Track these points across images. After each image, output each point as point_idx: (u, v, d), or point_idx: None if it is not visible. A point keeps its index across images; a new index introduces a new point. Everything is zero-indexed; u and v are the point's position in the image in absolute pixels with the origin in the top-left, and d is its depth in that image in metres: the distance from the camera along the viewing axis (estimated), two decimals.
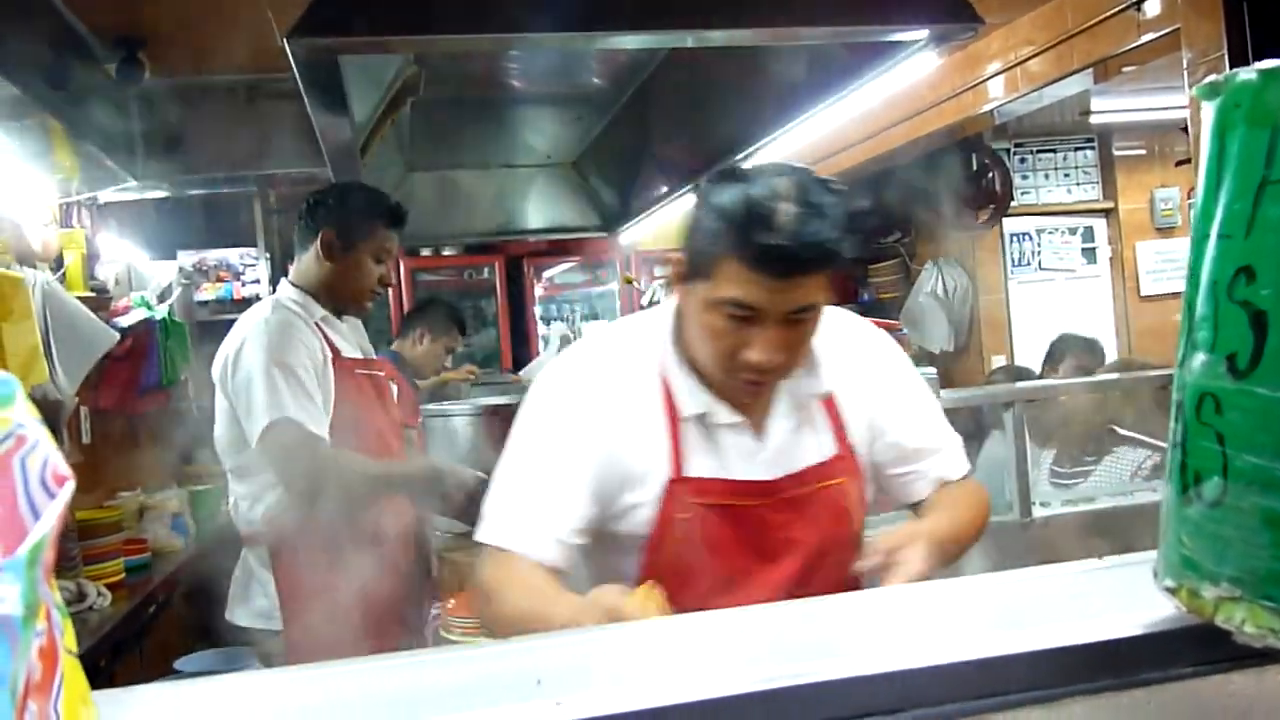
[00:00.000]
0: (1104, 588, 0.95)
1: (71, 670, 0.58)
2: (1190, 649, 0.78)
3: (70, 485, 0.49)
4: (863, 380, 1.64)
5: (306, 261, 2.67)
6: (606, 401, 1.52)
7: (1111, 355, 5.43)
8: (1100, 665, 0.77)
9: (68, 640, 0.58)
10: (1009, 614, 0.88)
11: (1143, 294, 6.24)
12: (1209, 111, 0.72)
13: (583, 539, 1.50)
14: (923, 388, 1.74)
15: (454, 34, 2.35)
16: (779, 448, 1.55)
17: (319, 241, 2.63)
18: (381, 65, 3.21)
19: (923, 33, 2.49)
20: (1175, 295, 6.52)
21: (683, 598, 1.38)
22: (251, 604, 2.59)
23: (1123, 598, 0.89)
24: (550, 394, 1.59)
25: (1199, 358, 0.71)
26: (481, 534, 1.52)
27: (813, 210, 1.34)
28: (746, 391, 1.48)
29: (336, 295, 2.68)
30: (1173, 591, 0.74)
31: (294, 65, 2.37)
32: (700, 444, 1.52)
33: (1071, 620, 0.82)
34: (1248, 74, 0.67)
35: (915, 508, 1.69)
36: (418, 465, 2.73)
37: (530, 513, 1.49)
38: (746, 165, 1.47)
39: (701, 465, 1.51)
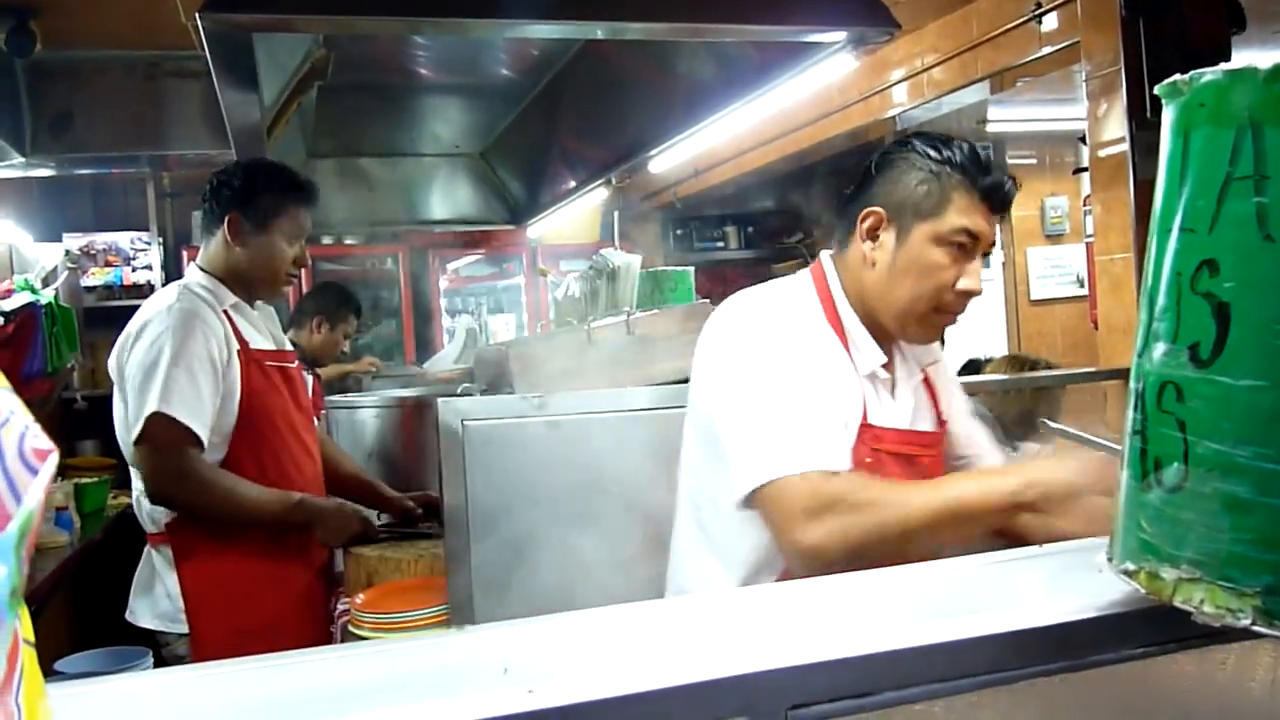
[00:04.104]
0: (1046, 574, 0.98)
1: (30, 661, 0.54)
2: (1139, 631, 0.80)
3: (54, 459, 0.46)
4: (945, 364, 1.84)
5: (215, 246, 2.57)
6: (810, 345, 1.60)
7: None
8: (1056, 648, 0.79)
9: (24, 630, 0.54)
10: (963, 600, 0.90)
11: (1032, 298, 6.48)
12: (1171, 111, 0.74)
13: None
14: None
15: (370, 15, 2.31)
16: (909, 407, 1.69)
17: (226, 225, 2.52)
18: (290, 47, 3.13)
19: (840, 35, 2.53)
20: (1063, 300, 6.74)
21: None
22: (155, 605, 2.49)
23: (1066, 583, 0.92)
24: (765, 339, 1.60)
25: (1160, 348, 0.73)
26: (781, 467, 1.43)
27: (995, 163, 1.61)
28: (939, 327, 1.64)
29: (248, 280, 2.58)
30: (1131, 574, 0.76)
31: (204, 42, 2.29)
32: (871, 394, 1.63)
33: (1024, 605, 0.84)
34: (1214, 74, 0.70)
35: None
36: (296, 506, 2.52)
37: (817, 432, 1.48)
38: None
39: (877, 413, 1.61)
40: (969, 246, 1.57)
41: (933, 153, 1.59)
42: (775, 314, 1.64)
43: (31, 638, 0.56)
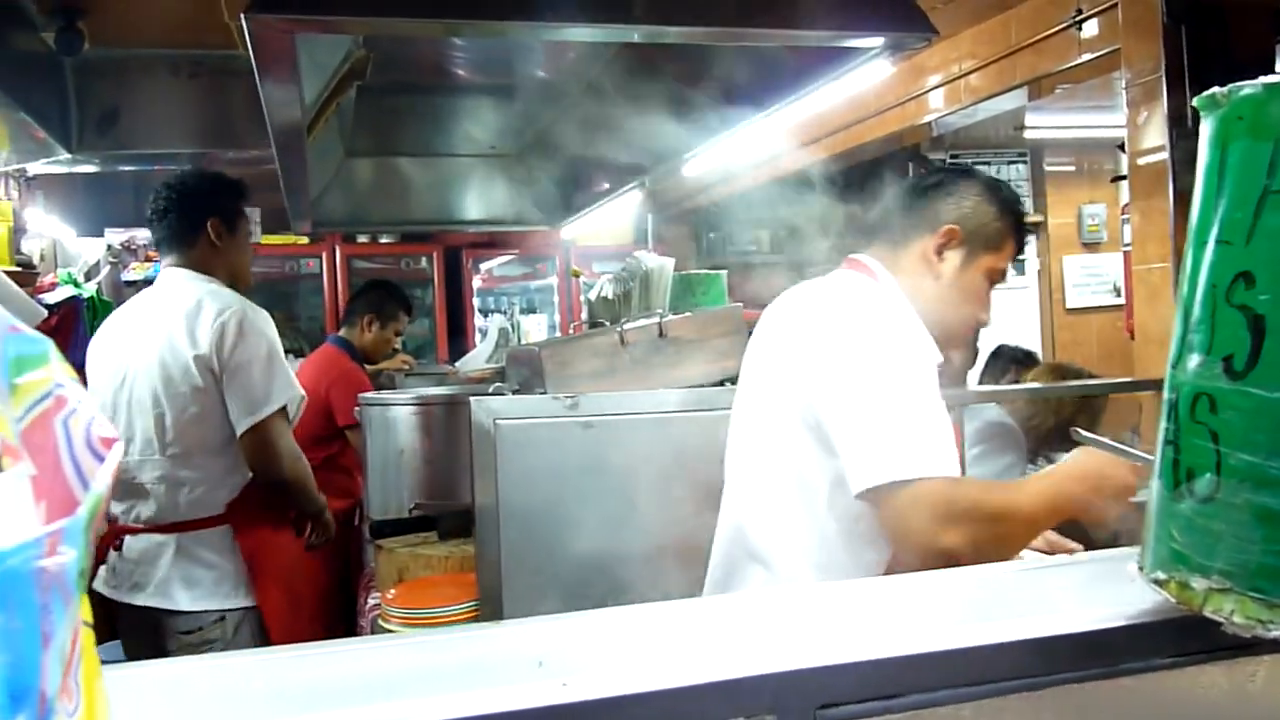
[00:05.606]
0: (1077, 581, 0.98)
1: (88, 642, 0.56)
2: (1169, 641, 0.81)
3: (119, 447, 0.48)
4: None
5: (202, 251, 2.74)
6: (916, 342, 1.64)
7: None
8: (1085, 655, 0.80)
9: (84, 611, 0.56)
10: (993, 606, 0.90)
11: (1068, 306, 6.41)
12: (1210, 123, 0.74)
13: None
14: None
15: (410, 16, 2.34)
16: None
17: (209, 230, 2.73)
18: (330, 47, 3.16)
19: (877, 40, 2.52)
20: (1098, 309, 6.62)
21: None
22: (196, 585, 2.57)
23: (1097, 591, 0.92)
24: (883, 339, 1.60)
25: (1194, 359, 0.74)
26: (917, 468, 1.44)
27: None
28: (973, 352, 1.85)
29: (237, 275, 2.80)
30: (1161, 583, 0.77)
31: (248, 42, 2.32)
32: None
33: (1054, 612, 0.85)
34: (1252, 88, 0.70)
35: None
36: None
37: (945, 435, 1.49)
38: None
39: None
40: (995, 286, 1.74)
41: (1004, 191, 1.75)
42: (878, 308, 1.65)
43: (90, 619, 0.58)
